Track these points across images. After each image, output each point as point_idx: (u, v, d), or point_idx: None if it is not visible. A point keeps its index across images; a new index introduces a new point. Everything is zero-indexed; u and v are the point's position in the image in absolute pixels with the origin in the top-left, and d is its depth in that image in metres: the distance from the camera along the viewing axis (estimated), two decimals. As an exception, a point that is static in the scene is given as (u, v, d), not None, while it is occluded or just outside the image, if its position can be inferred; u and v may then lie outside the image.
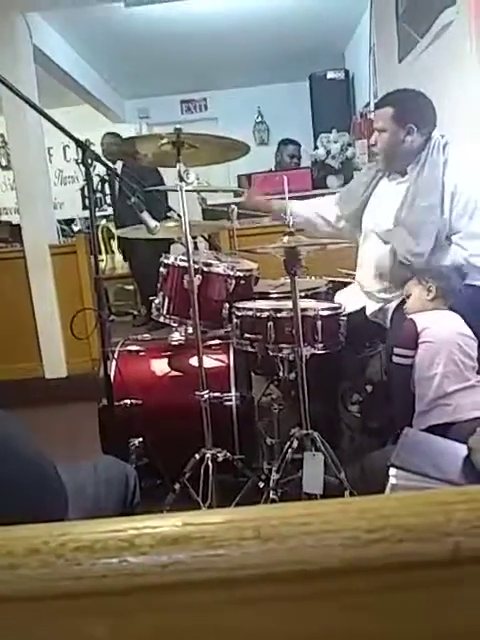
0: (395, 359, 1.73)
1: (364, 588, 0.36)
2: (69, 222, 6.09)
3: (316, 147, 4.56)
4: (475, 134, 2.42)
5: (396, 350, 1.73)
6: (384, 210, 2.08)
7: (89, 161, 1.79)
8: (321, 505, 0.38)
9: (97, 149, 4.30)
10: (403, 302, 1.94)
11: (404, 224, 1.97)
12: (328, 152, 4.38)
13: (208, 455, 1.75)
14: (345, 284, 2.36)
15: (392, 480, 1.01)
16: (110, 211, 5.20)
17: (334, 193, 2.54)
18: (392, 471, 1.01)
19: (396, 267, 2.01)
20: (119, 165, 4.13)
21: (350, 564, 0.35)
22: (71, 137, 1.80)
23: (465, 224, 1.92)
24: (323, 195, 2.61)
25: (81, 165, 1.81)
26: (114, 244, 5.73)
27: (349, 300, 2.08)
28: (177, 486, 1.80)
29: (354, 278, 2.30)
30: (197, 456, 1.78)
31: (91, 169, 1.81)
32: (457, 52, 2.54)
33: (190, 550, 0.36)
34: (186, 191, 1.70)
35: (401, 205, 2.01)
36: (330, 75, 5.46)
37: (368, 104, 4.60)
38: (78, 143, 1.80)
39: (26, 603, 0.37)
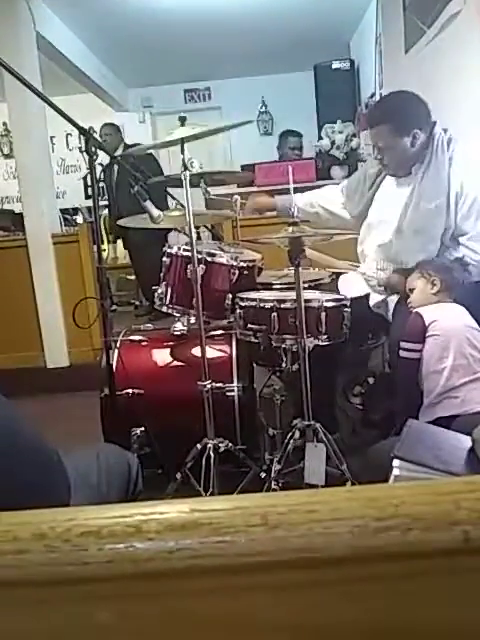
0: (402, 353, 1.72)
1: (372, 576, 0.36)
2: (74, 211, 6.07)
3: (320, 137, 4.54)
4: (481, 125, 2.40)
5: (403, 344, 1.72)
6: (389, 208, 2.06)
7: (93, 149, 1.78)
8: (329, 493, 0.38)
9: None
10: (406, 295, 1.93)
11: (409, 226, 1.95)
12: (333, 143, 4.35)
13: (210, 445, 1.75)
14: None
15: (395, 471, 1.01)
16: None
17: (337, 184, 2.52)
18: (396, 462, 1.01)
19: (397, 275, 1.99)
20: (120, 152, 4.11)
21: (358, 552, 0.35)
22: (75, 125, 1.79)
23: (472, 225, 1.90)
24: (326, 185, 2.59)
25: (84, 153, 1.79)
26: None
27: (352, 286, 2.07)
28: (179, 476, 1.81)
29: (358, 268, 2.29)
30: (199, 446, 1.78)
31: (94, 158, 1.80)
32: (464, 43, 2.52)
33: (197, 536, 0.36)
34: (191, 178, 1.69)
35: (405, 206, 1.97)
36: (335, 65, 5.41)
37: (373, 95, 4.57)
38: (82, 131, 1.79)
39: (33, 588, 0.37)
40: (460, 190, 1.88)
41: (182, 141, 1.69)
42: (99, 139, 4.37)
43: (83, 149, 1.80)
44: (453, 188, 1.88)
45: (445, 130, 1.97)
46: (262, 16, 4.68)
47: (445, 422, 1.53)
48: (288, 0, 4.43)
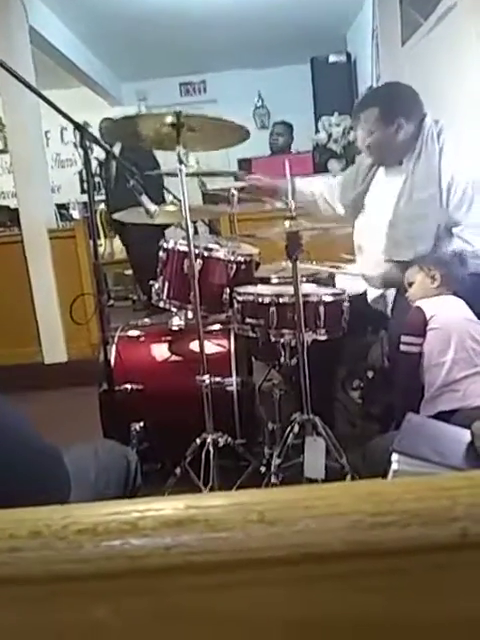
0: (403, 347, 1.71)
1: (369, 572, 0.36)
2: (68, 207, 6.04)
3: (317, 131, 4.52)
4: (477, 117, 2.39)
5: (404, 338, 1.71)
6: (383, 201, 2.06)
7: (87, 144, 1.77)
8: (326, 488, 0.37)
9: (95, 132, 4.25)
10: (405, 289, 1.93)
11: (403, 217, 1.95)
12: (330, 136, 4.34)
13: (209, 440, 1.75)
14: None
15: (394, 465, 1.00)
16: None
17: (334, 176, 2.51)
18: (394, 456, 1.01)
19: (394, 269, 1.98)
20: (117, 148, 4.08)
21: (355, 548, 0.35)
22: (69, 119, 1.78)
23: (464, 214, 1.90)
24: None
25: (79, 148, 1.78)
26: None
27: (350, 284, 2.06)
28: (178, 470, 1.81)
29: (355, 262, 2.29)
30: (198, 441, 1.78)
31: (89, 152, 1.79)
32: (460, 35, 2.51)
33: (194, 533, 0.36)
34: (186, 175, 1.68)
35: (398, 198, 1.98)
36: (332, 58, 5.39)
37: (370, 88, 4.55)
38: (76, 125, 1.78)
39: (28, 586, 0.37)
40: (451, 180, 1.88)
41: (177, 134, 1.68)
42: (99, 132, 4.33)
43: (78, 144, 1.79)
44: (445, 178, 1.89)
45: (436, 121, 1.97)
46: (258, 8, 4.65)
47: (445, 416, 1.53)
48: (284, -8, 4.40)
